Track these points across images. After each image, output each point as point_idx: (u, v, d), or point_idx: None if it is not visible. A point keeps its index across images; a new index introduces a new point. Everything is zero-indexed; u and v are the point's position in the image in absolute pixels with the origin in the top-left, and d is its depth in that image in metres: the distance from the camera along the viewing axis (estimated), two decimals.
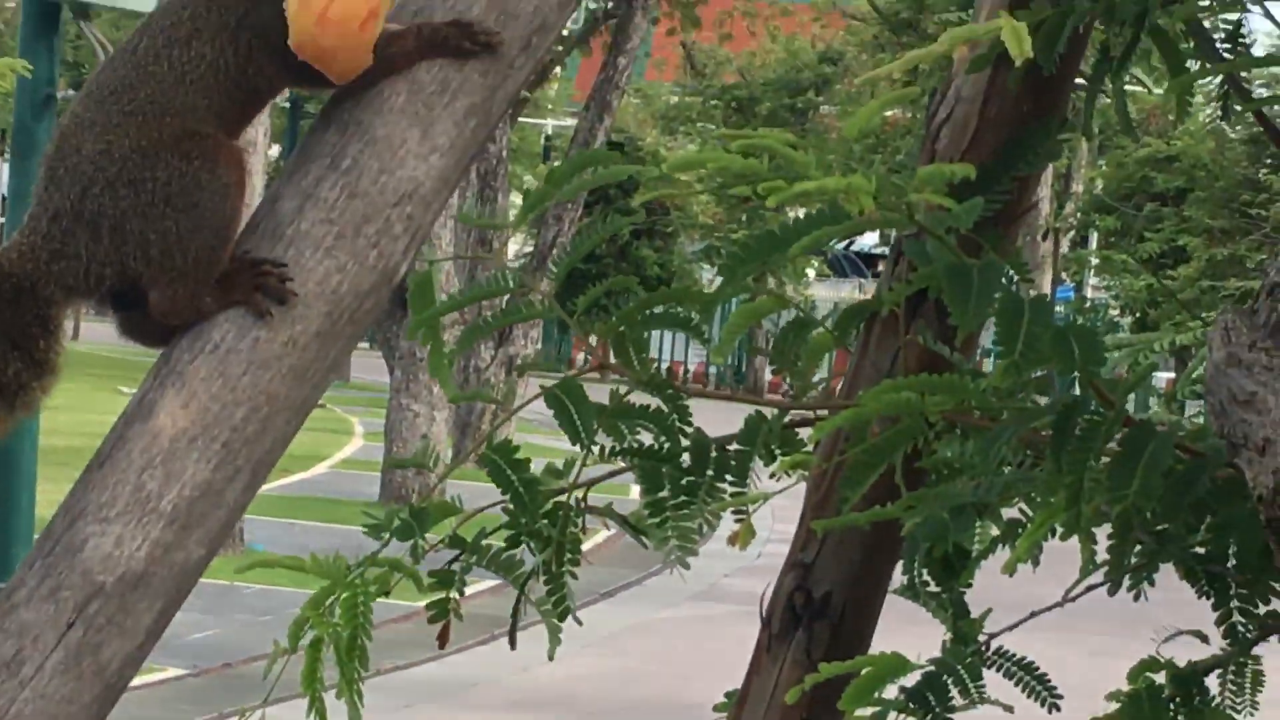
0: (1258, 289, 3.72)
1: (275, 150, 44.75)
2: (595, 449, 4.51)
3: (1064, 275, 51.89)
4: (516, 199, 41.31)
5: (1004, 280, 3.95)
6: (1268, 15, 4.64)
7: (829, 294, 59.58)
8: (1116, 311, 50.17)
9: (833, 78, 56.33)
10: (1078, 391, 3.90)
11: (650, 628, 17.92)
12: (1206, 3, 4.47)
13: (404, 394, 29.66)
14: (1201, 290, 39.92)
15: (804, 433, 4.58)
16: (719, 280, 4.15)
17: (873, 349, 4.69)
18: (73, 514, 3.01)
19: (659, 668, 17.89)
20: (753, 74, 59.46)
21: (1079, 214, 42.63)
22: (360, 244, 3.13)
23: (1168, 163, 35.89)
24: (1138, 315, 46.15)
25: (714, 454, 4.48)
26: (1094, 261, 51.13)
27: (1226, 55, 4.48)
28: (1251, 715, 4.31)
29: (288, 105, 49.63)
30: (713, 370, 67.89)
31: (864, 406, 3.95)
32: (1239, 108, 4.70)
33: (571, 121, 33.63)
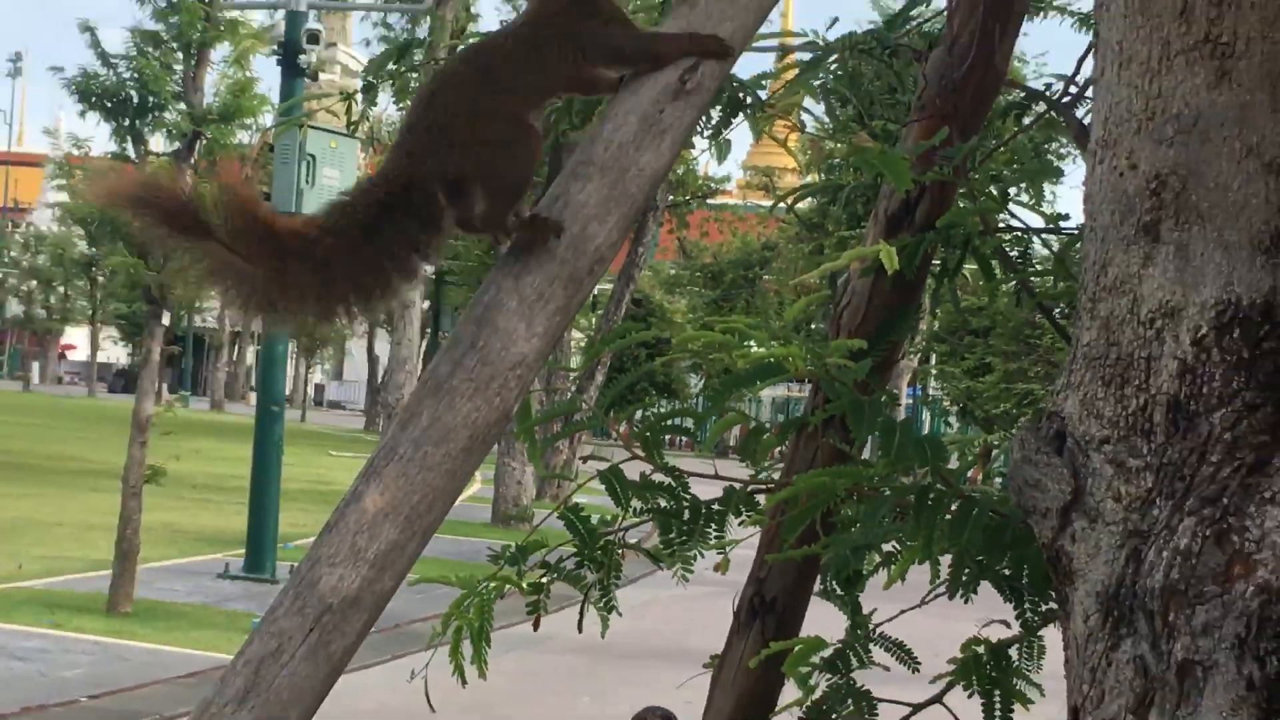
0: (1041, 410, 3.73)
1: (426, 304, 44.42)
2: (631, 508, 4.58)
3: (916, 381, 52.86)
4: (575, 333, 41.49)
5: (883, 409, 3.99)
6: (1045, 243, 4.66)
7: (770, 392, 59.77)
8: (947, 403, 51.07)
9: (771, 258, 57.40)
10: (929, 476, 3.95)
11: (661, 602, 17.88)
12: (1007, 236, 4.49)
13: (506, 456, 29.72)
14: (999, 391, 41.00)
15: (760, 498, 4.63)
16: (703, 388, 4.27)
17: (803, 447, 4.71)
18: (312, 560, 3.03)
19: (666, 627, 17.86)
20: (721, 256, 60.45)
21: (923, 342, 43.32)
22: (489, 394, 3.13)
23: (979, 311, 36.66)
24: (960, 406, 47.23)
25: (704, 511, 4.53)
26: (933, 372, 52.17)
27: (1018, 266, 4.50)
28: (1038, 674, 4.33)
29: (433, 277, 49.47)
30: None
31: (796, 485, 4.01)
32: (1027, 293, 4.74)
33: (609, 286, 33.55)
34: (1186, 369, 3.42)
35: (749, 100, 4.94)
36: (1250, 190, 3.42)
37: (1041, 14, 6.31)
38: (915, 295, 4.53)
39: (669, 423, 4.67)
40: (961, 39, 4.24)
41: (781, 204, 5.48)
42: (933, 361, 50.50)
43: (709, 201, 45.49)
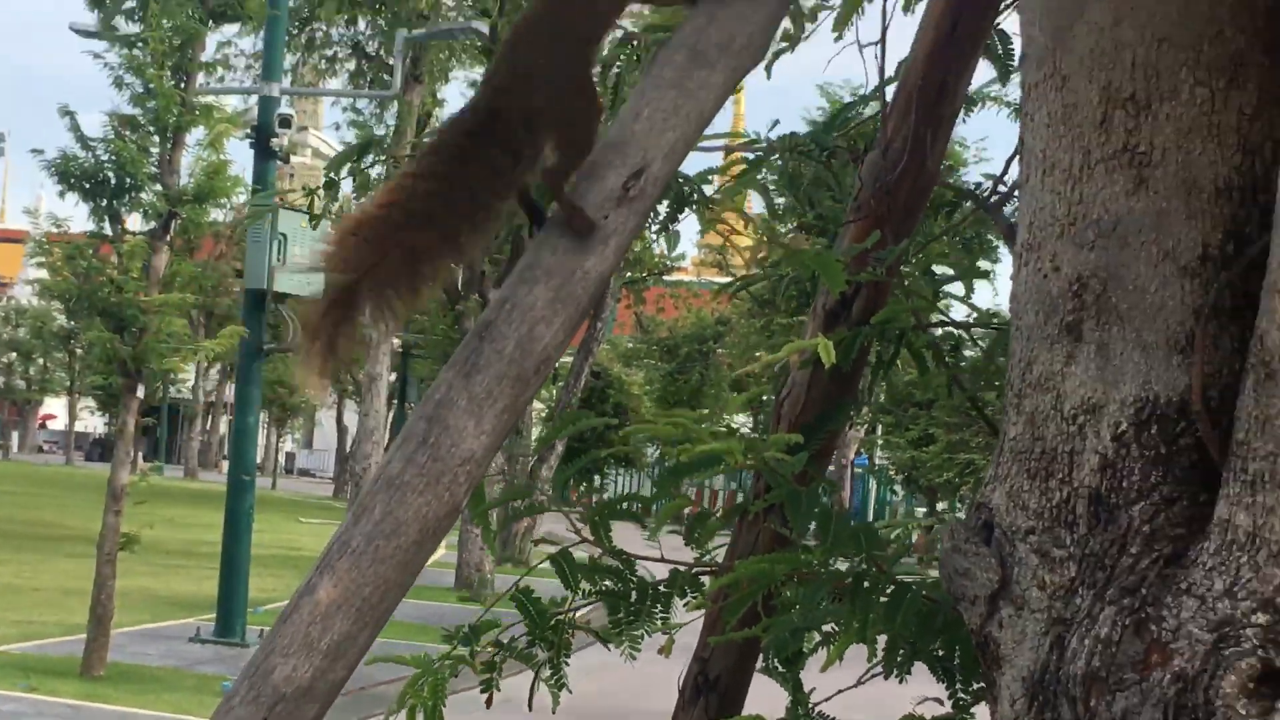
0: (971, 503, 3.74)
1: (393, 376, 44.28)
2: (581, 590, 4.57)
3: (862, 450, 52.96)
4: (535, 403, 41.30)
5: (820, 498, 4.00)
6: (973, 340, 4.69)
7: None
8: (892, 471, 51.19)
9: (724, 333, 57.44)
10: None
11: (616, 664, 17.82)
12: (938, 331, 4.53)
13: (468, 523, 29.67)
14: (942, 461, 41.17)
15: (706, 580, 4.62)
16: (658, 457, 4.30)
17: (745, 531, 4.71)
18: (267, 650, 3.02)
19: (622, 689, 17.82)
20: (676, 330, 60.47)
21: (869, 414, 43.47)
22: (439, 489, 3.13)
23: (923, 387, 37.26)
24: (905, 475, 47.35)
25: (650, 593, 4.52)
26: (879, 442, 52.34)
27: (949, 360, 4.52)
28: None
29: (401, 351, 49.39)
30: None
31: (738, 570, 4.00)
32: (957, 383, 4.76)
33: (569, 359, 33.53)
34: (1107, 464, 3.44)
35: (695, 196, 4.96)
36: (1167, 293, 3.46)
37: (979, 105, 6.36)
38: (852, 387, 4.55)
39: (619, 507, 4.65)
40: (895, 143, 4.28)
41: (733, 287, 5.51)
42: (879, 432, 50.68)
43: (665, 278, 45.57)
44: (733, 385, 53.42)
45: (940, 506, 44.33)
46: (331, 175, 5.26)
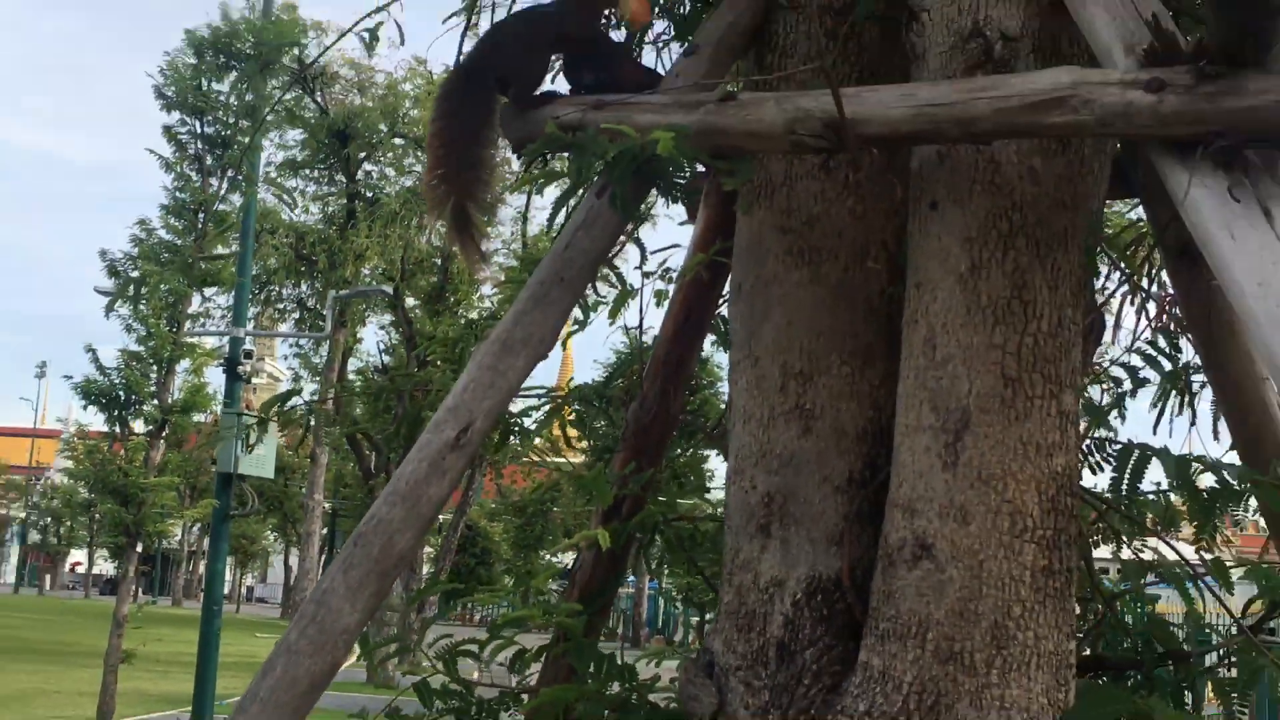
0: (700, 648, 3.74)
1: (324, 531, 43.12)
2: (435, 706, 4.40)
3: (653, 577, 52.06)
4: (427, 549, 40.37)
5: (596, 648, 3.94)
6: (705, 532, 4.71)
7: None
8: (675, 593, 49.72)
9: (558, 497, 56.70)
10: None
11: None
12: (680, 525, 4.53)
13: (376, 635, 28.64)
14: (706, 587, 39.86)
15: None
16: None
17: (550, 665, 4.47)
18: None
19: None
20: (524, 496, 59.57)
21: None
22: (323, 653, 3.08)
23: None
24: (684, 595, 45.86)
25: (485, 709, 4.37)
26: (665, 572, 51.27)
27: (686, 546, 4.54)
28: None
29: (331, 513, 48.23)
30: None
31: (543, 696, 3.88)
32: None
33: (447, 517, 32.89)
34: (789, 621, 3.48)
35: (517, 427, 4.94)
36: (826, 505, 3.54)
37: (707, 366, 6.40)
38: (624, 563, 4.50)
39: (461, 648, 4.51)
40: (650, 395, 4.32)
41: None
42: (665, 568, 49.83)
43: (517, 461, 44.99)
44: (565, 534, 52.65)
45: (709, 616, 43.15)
46: (263, 415, 5.20)
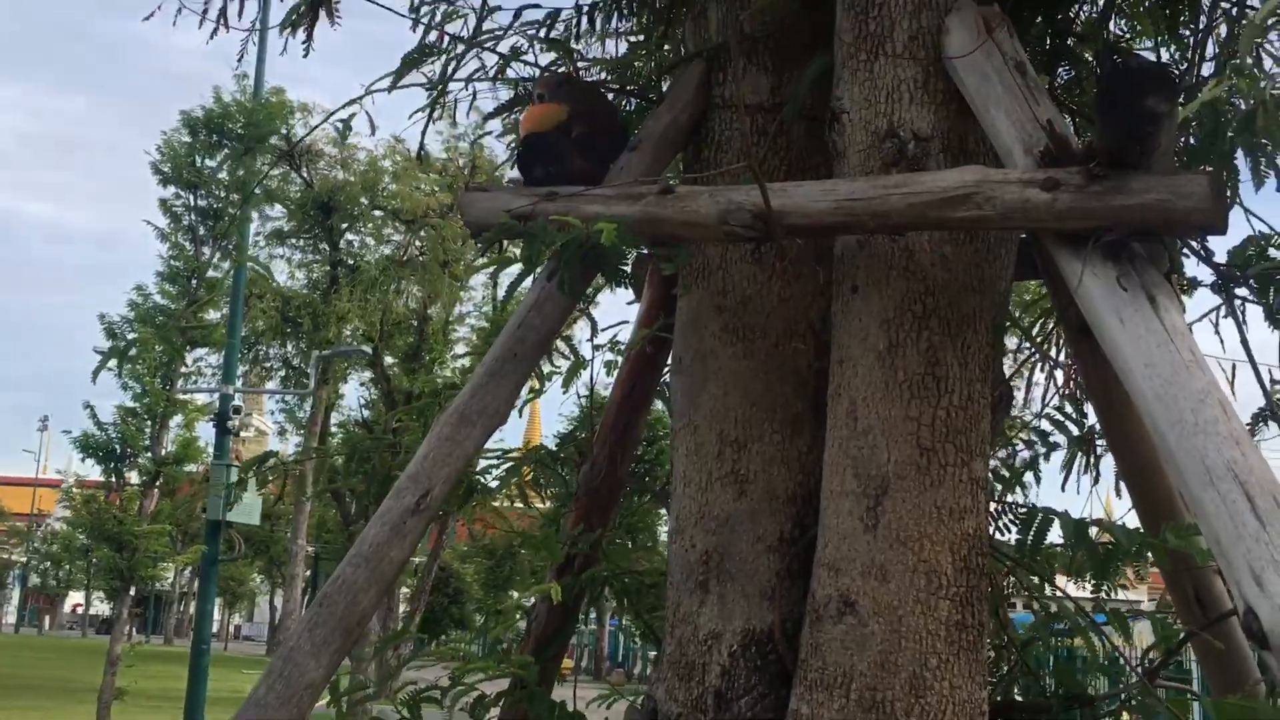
0: (645, 694, 3.71)
1: (307, 573, 42.52)
2: None
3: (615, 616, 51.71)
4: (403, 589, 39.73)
5: (547, 699, 3.89)
6: (648, 586, 4.68)
7: None
8: (634, 630, 49.37)
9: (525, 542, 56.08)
10: None
11: None
12: (628, 581, 4.49)
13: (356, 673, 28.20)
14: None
15: None
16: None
17: (507, 710, 4.47)
18: None
19: None
20: (494, 541, 58.79)
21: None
22: (290, 706, 3.03)
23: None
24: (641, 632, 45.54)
25: None
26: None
27: (634, 600, 4.52)
28: None
29: (313, 556, 47.57)
30: None
31: None
32: None
33: (421, 559, 32.38)
34: (725, 671, 3.46)
35: (479, 485, 4.90)
36: (760, 563, 3.53)
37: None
38: (576, 613, 4.45)
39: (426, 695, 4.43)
40: (600, 459, 4.31)
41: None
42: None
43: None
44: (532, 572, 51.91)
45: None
46: (243, 474, 5.13)
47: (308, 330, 27.33)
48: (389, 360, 29.54)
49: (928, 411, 3.14)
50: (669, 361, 4.03)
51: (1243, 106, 3.10)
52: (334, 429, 32.65)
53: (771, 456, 3.56)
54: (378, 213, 28.47)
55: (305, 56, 4.71)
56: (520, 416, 3.87)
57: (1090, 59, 4.02)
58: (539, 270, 3.41)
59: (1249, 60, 3.17)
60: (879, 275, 3.22)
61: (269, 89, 22.06)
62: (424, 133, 4.82)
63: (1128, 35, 4.21)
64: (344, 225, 28.13)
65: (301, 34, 4.64)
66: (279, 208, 28.15)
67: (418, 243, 28.67)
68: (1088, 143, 2.86)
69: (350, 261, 28.30)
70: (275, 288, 27.93)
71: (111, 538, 18.68)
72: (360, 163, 28.40)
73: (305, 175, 27.96)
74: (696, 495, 3.64)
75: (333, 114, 5.00)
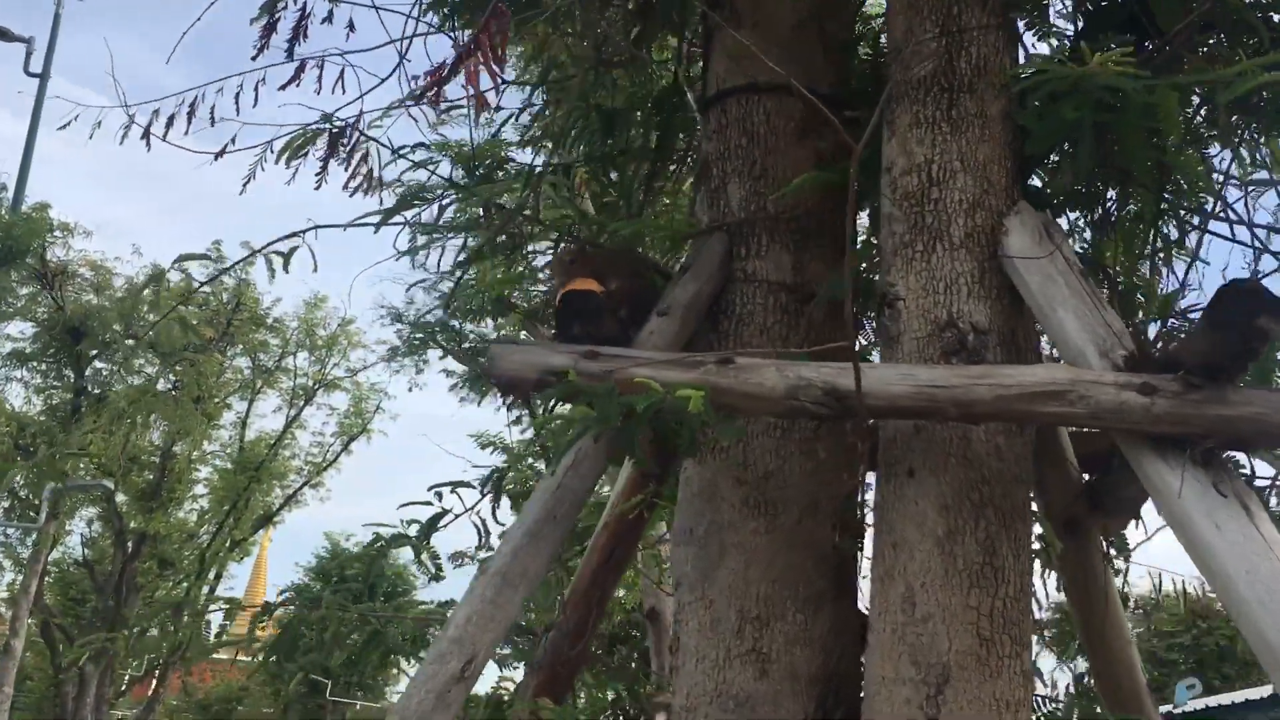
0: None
1: None
2: None
3: None
4: None
5: None
6: None
7: None
8: None
9: None
10: None
11: None
12: None
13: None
14: None
15: None
16: None
17: None
18: None
19: None
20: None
21: None
22: None
23: None
24: None
25: None
26: None
27: None
28: None
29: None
30: None
31: None
32: None
33: None
34: None
35: None
36: None
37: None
38: None
39: None
40: (567, 624, 4.10)
41: None
42: None
43: None
44: None
45: None
46: None
47: (44, 459, 25.27)
48: (120, 498, 27.58)
49: (986, 601, 3.14)
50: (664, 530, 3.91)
51: None
52: (50, 566, 30.00)
53: (794, 636, 3.48)
54: (130, 342, 26.93)
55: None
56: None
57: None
58: (588, 432, 3.26)
59: None
60: (938, 461, 3.23)
61: (33, 204, 20.89)
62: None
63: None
64: (94, 352, 26.44)
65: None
66: (21, 328, 26.29)
67: (171, 376, 27.25)
68: (1168, 351, 2.99)
69: (95, 390, 26.53)
70: (10, 411, 25.84)
71: None
72: (117, 290, 26.95)
73: (56, 297, 26.24)
74: (711, 672, 3.50)
75: (269, 245, 4.73)
